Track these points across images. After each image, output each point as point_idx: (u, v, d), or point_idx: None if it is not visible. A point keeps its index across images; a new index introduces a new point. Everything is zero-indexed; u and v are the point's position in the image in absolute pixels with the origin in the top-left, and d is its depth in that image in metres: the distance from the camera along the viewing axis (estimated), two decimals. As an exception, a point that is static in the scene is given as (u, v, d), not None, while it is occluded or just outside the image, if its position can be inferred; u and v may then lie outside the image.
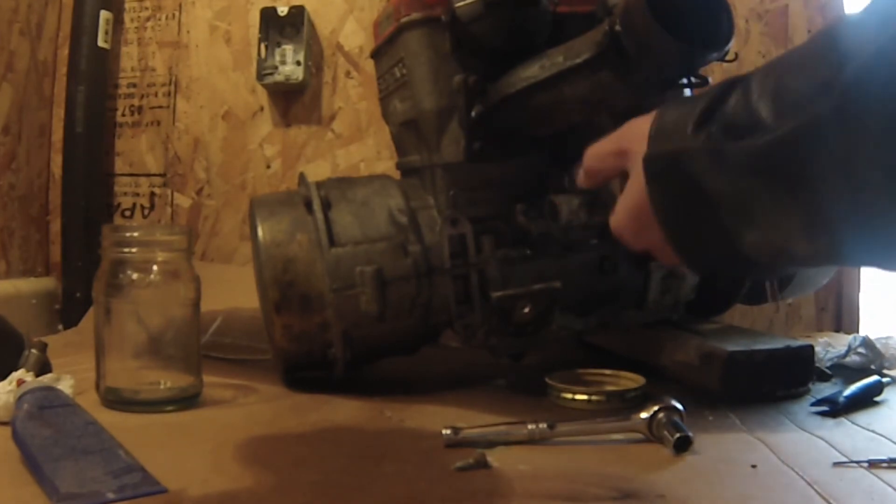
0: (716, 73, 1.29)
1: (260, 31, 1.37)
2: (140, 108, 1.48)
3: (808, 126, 0.40)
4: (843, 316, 1.31)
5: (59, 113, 1.44)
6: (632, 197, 0.54)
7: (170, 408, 0.80)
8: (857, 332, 1.23)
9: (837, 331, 1.29)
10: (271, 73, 1.37)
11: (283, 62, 1.38)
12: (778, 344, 0.85)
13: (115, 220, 1.48)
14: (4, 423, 0.67)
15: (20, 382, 0.76)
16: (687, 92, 0.85)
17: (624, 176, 0.57)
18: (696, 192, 0.47)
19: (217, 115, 1.45)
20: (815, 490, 0.56)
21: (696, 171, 0.47)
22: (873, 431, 0.71)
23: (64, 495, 0.52)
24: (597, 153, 0.60)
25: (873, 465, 0.61)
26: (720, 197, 0.46)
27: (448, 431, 0.67)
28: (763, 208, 0.44)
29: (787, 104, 0.41)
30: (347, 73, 1.40)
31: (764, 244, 0.46)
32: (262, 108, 1.43)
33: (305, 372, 0.90)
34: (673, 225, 0.51)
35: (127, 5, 1.47)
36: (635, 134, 0.54)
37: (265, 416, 0.79)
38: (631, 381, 0.85)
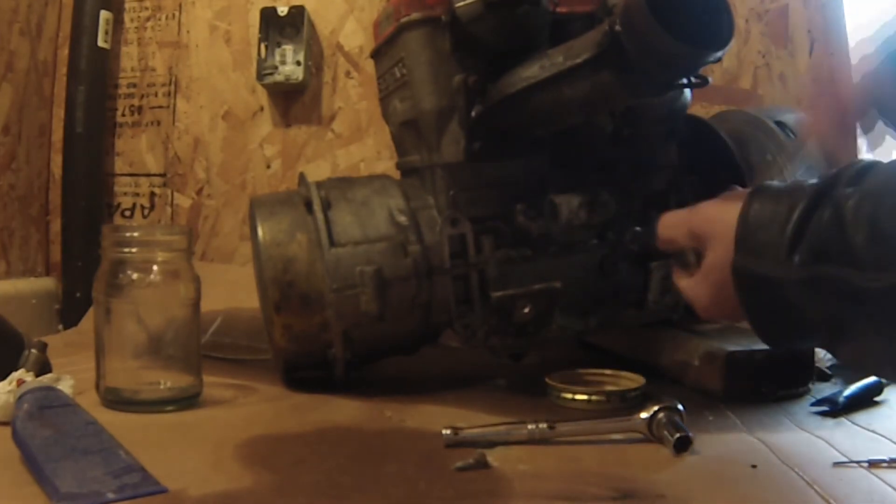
0: (716, 72, 1.29)
1: (260, 31, 1.37)
2: (140, 108, 1.48)
3: None
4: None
5: (59, 113, 1.44)
6: (712, 278, 0.58)
7: (170, 408, 0.80)
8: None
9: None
10: (271, 73, 1.37)
11: (283, 62, 1.38)
12: (778, 344, 0.85)
13: (115, 220, 1.48)
14: (4, 423, 0.67)
15: (20, 382, 0.76)
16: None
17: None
18: (788, 310, 0.50)
19: (217, 115, 1.45)
20: (815, 490, 0.56)
21: (789, 297, 0.49)
22: (873, 431, 0.71)
23: (64, 495, 0.52)
24: (672, 225, 0.64)
25: (873, 465, 0.61)
26: (813, 318, 0.49)
27: (448, 431, 0.67)
28: (855, 335, 0.46)
29: (890, 248, 0.42)
30: (347, 73, 1.40)
31: (852, 360, 0.49)
32: (262, 108, 1.43)
33: (305, 372, 0.90)
34: (763, 326, 0.55)
35: (127, 5, 1.47)
36: (712, 219, 0.58)
37: (265, 416, 0.79)
38: (631, 381, 0.85)
